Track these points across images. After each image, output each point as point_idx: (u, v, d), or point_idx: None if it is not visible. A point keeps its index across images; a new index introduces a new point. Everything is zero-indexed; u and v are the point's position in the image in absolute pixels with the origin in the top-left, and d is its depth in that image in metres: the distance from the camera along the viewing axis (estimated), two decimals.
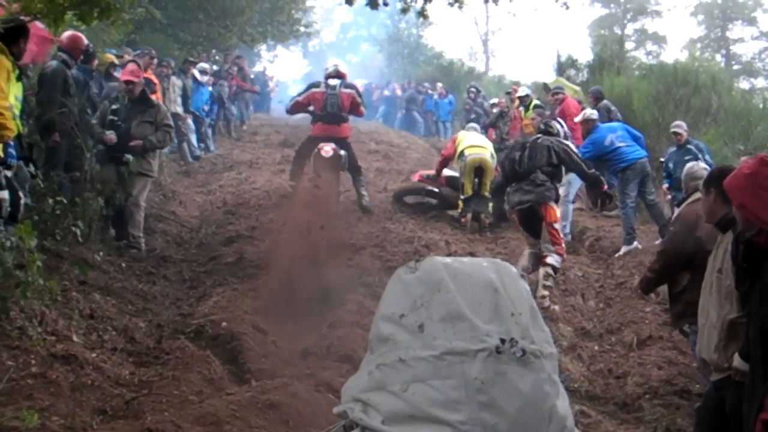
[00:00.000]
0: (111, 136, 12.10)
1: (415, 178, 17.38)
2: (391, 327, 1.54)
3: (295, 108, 15.75)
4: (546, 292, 11.50)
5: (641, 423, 8.36)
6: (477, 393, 1.43)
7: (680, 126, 15.09)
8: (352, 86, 15.75)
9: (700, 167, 9.13)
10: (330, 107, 15.03)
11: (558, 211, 12.08)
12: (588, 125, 15.49)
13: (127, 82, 12.42)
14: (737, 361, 5.77)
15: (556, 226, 11.92)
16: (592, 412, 8.21)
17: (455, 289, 1.51)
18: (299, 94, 15.68)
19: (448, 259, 1.59)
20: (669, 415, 8.26)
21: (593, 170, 12.19)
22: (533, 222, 11.86)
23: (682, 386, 8.96)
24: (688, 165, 9.62)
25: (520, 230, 12.27)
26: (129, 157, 12.16)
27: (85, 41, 12.92)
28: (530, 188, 11.59)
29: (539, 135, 12.21)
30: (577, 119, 16.29)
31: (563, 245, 11.93)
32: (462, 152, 15.79)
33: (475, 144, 15.96)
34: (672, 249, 8.26)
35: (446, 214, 16.29)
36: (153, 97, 14.05)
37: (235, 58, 28.79)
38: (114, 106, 12.43)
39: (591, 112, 15.87)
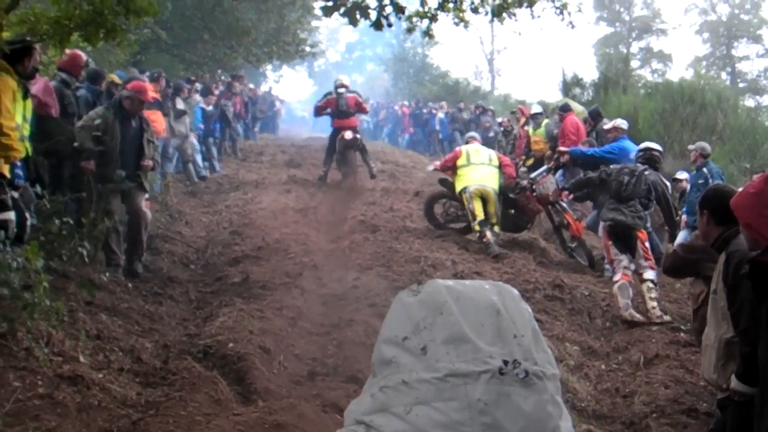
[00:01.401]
0: (90, 165, 11.62)
1: (435, 166, 17.46)
2: (393, 350, 1.54)
3: (319, 111, 21.88)
4: (654, 303, 11.96)
5: None
6: (480, 414, 1.43)
7: (697, 147, 15.36)
8: (354, 91, 22.27)
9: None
10: (341, 106, 21.04)
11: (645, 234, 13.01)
12: (616, 133, 15.62)
13: (141, 102, 12.23)
14: (734, 382, 5.78)
15: (646, 244, 12.68)
16: None
17: (458, 312, 1.52)
18: (319, 101, 22.02)
19: (450, 282, 1.60)
20: None
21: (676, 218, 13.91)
22: (625, 241, 12.61)
23: (689, 405, 8.92)
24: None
25: (610, 243, 12.81)
26: (121, 173, 11.89)
27: (84, 57, 12.90)
28: (630, 212, 12.55)
29: (646, 167, 12.95)
30: (607, 126, 16.40)
31: (652, 259, 12.60)
32: (464, 188, 15.88)
33: (476, 179, 15.97)
34: (681, 252, 8.40)
35: (453, 234, 16.27)
36: (151, 117, 14.10)
37: (232, 77, 28.77)
38: (97, 121, 11.80)
39: (621, 121, 16.15)
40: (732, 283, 5.82)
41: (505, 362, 1.46)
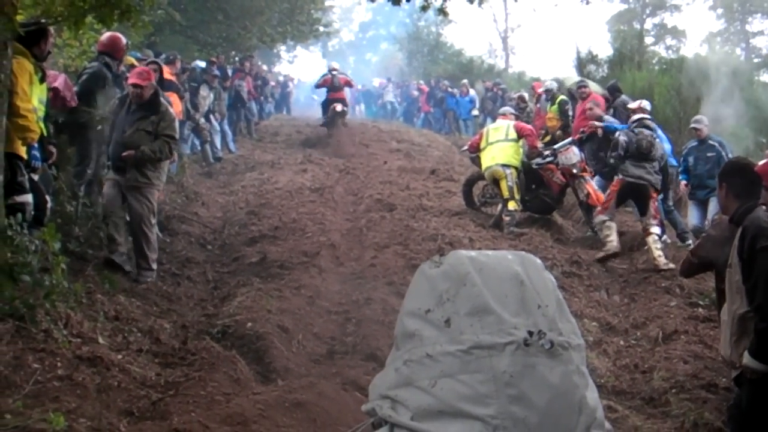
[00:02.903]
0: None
1: (467, 147, 17.54)
2: (417, 322, 1.53)
3: (319, 86, 28.85)
4: (660, 253, 13.18)
5: (668, 418, 8.31)
6: (506, 387, 1.42)
7: (700, 121, 14.83)
8: (343, 73, 29.60)
9: None
10: (335, 84, 27.51)
11: None
12: (642, 114, 15.57)
13: (135, 86, 11.05)
14: (746, 358, 5.74)
15: (657, 205, 13.86)
16: (618, 407, 8.18)
17: (481, 283, 1.50)
18: (318, 80, 28.94)
19: (473, 253, 1.58)
20: (696, 410, 8.20)
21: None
22: (638, 198, 13.88)
23: (708, 380, 8.90)
24: None
25: (613, 202, 14.00)
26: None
27: (124, 40, 12.86)
28: (653, 172, 13.62)
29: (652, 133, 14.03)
30: (632, 105, 16.25)
31: (659, 218, 13.99)
32: (484, 171, 16.22)
33: (488, 160, 16.18)
34: (699, 250, 8.30)
35: (469, 212, 16.27)
36: (170, 99, 13.97)
37: (242, 58, 28.79)
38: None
39: (646, 103, 15.99)
40: (747, 256, 5.78)
41: (530, 333, 1.45)
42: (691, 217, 14.37)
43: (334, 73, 28.05)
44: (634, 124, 14.36)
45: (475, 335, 1.45)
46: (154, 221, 11.35)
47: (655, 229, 13.55)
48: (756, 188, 6.37)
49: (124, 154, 10.89)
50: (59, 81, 10.94)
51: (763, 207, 6.18)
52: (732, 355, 6.07)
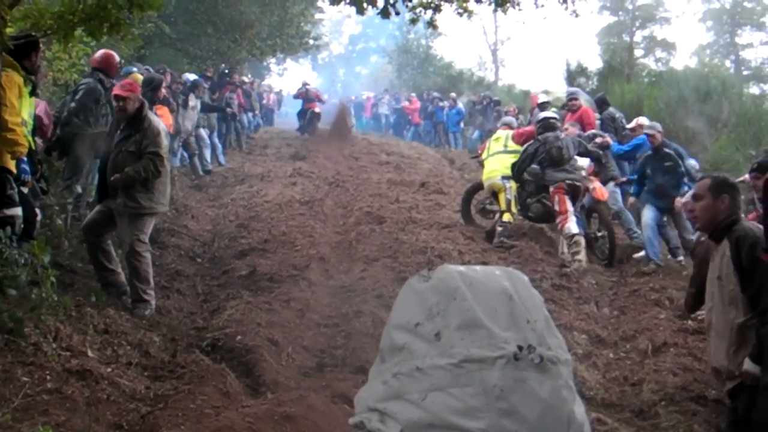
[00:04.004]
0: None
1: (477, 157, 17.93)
2: (405, 336, 1.53)
3: (296, 97, 34.99)
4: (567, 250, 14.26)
5: (657, 430, 8.32)
6: (497, 400, 1.42)
7: (653, 127, 14.58)
8: (315, 88, 35.35)
9: None
10: (309, 95, 33.22)
11: None
12: (640, 131, 15.58)
13: (117, 98, 10.30)
14: (747, 364, 5.78)
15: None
16: (608, 420, 8.18)
17: (471, 297, 1.50)
18: (296, 93, 34.92)
19: (462, 267, 1.59)
20: (685, 422, 8.22)
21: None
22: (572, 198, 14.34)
23: (698, 392, 8.92)
24: None
25: (568, 205, 14.31)
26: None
27: (117, 57, 12.85)
28: (573, 171, 14.37)
29: (557, 133, 14.76)
30: (630, 126, 16.38)
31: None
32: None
33: (486, 173, 16.55)
34: (695, 279, 8.37)
35: (459, 225, 16.29)
36: (158, 113, 13.93)
37: (229, 70, 28.78)
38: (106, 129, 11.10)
39: (644, 119, 16.35)
40: (747, 264, 5.84)
41: (520, 347, 1.45)
42: (645, 215, 14.10)
43: (308, 87, 34.36)
44: (539, 128, 15.06)
45: (466, 349, 1.45)
46: (143, 249, 10.33)
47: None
48: (739, 204, 6.48)
49: (111, 179, 10.19)
50: (40, 108, 10.76)
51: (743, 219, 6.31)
52: (730, 365, 6.10)
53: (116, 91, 10.37)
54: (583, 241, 14.13)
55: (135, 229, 10.20)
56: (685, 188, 13.90)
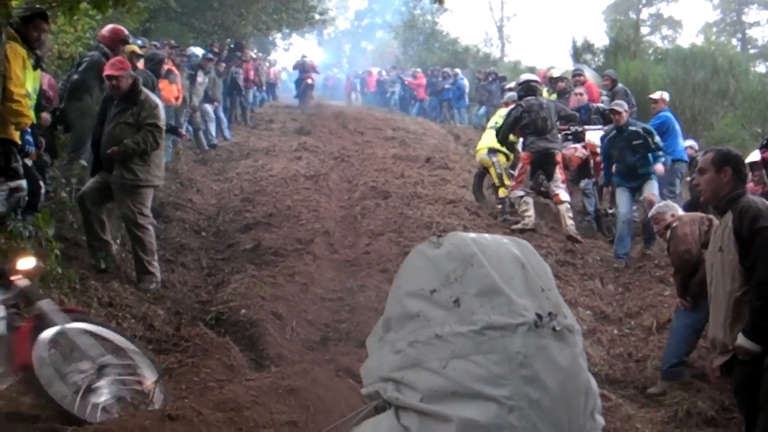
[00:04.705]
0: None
1: None
2: (420, 303, 1.51)
3: (295, 68, 38.35)
4: (571, 222, 14.05)
5: (662, 406, 8.34)
6: (520, 367, 1.41)
7: (620, 105, 13.94)
8: (311, 60, 38.57)
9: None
10: (305, 67, 36.81)
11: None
12: (664, 105, 15.40)
13: (109, 77, 10.25)
14: (741, 339, 5.80)
15: (561, 169, 14.51)
16: (612, 396, 8.20)
17: (488, 264, 1.49)
18: (294, 65, 38.41)
19: (473, 234, 1.57)
20: (689, 399, 8.23)
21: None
22: (546, 166, 14.34)
23: (701, 369, 8.93)
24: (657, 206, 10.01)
25: (527, 175, 14.58)
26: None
27: (125, 32, 12.78)
28: (552, 139, 14.29)
29: (536, 98, 14.75)
30: (654, 96, 16.09)
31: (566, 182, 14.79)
32: None
33: (478, 146, 16.98)
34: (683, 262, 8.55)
35: (464, 200, 16.26)
36: (159, 87, 13.89)
37: (234, 45, 28.65)
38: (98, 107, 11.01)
39: (666, 94, 15.95)
40: (747, 235, 5.86)
41: (539, 316, 1.45)
42: (620, 206, 13.54)
43: (306, 59, 37.95)
44: (520, 91, 15.18)
45: (487, 316, 1.45)
46: (146, 222, 10.35)
47: (565, 196, 14.20)
48: (745, 176, 6.45)
49: (108, 151, 10.16)
50: (44, 81, 10.76)
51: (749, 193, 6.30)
52: (725, 338, 6.11)
53: (107, 71, 10.30)
54: (531, 200, 14.42)
55: (136, 203, 10.20)
56: (662, 159, 13.76)
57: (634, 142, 13.15)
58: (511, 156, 15.98)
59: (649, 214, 10.53)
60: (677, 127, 15.18)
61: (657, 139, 13.13)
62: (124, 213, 10.27)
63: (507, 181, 15.47)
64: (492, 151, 15.78)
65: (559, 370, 1.43)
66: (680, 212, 9.59)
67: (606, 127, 15.13)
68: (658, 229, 9.75)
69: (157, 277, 10.26)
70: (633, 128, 13.40)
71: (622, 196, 13.43)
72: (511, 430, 1.40)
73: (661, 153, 13.27)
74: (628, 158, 13.15)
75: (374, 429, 1.51)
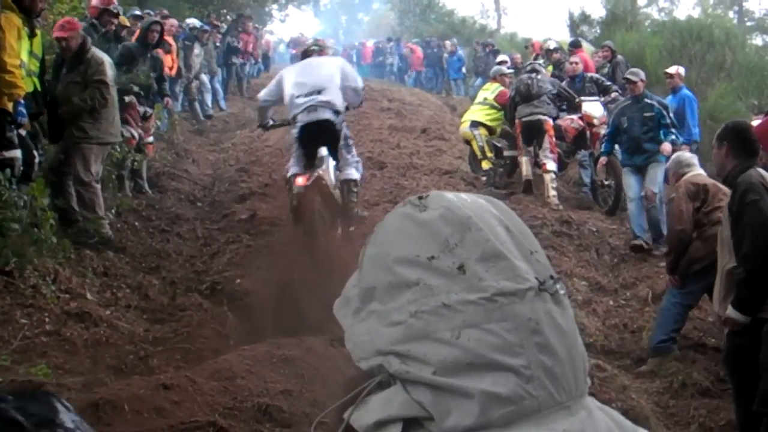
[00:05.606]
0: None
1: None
2: (417, 271, 1.42)
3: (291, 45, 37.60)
4: (554, 193, 14.37)
5: (657, 377, 8.36)
6: (533, 334, 1.35)
7: (636, 74, 13.17)
8: (306, 39, 32.90)
9: (688, 155, 9.75)
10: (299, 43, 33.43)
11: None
12: (680, 81, 15.06)
13: (58, 39, 10.42)
14: (729, 310, 5.87)
15: (552, 138, 14.62)
16: (607, 367, 8.20)
17: (485, 227, 1.45)
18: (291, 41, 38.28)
19: (452, 195, 1.51)
20: (684, 369, 8.26)
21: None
22: (537, 134, 14.64)
23: (697, 340, 8.97)
24: (678, 153, 9.83)
25: (522, 143, 14.94)
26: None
27: (113, 1, 12.75)
28: (540, 105, 14.65)
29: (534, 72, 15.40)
30: (670, 70, 15.76)
31: (556, 153, 14.83)
32: None
33: (463, 120, 16.94)
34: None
35: (460, 171, 16.26)
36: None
37: (238, 17, 28.57)
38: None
39: (682, 69, 15.71)
40: (736, 209, 5.90)
41: (538, 279, 1.41)
42: (628, 189, 12.78)
43: (302, 36, 38.54)
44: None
45: (495, 281, 1.37)
46: (90, 179, 10.22)
47: (552, 166, 14.45)
48: (753, 149, 6.40)
49: (59, 111, 10.25)
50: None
51: (758, 168, 6.26)
52: (720, 310, 6.17)
53: (56, 33, 10.41)
54: (525, 158, 15.00)
55: (82, 158, 10.18)
56: (672, 137, 12.99)
57: (646, 114, 12.51)
58: (497, 129, 15.96)
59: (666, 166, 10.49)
60: (696, 107, 14.90)
61: (671, 116, 12.74)
62: (69, 169, 10.20)
63: (489, 153, 15.55)
64: (474, 124, 15.76)
65: (564, 335, 1.38)
66: (695, 168, 9.33)
67: (602, 98, 15.13)
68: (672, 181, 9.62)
69: (92, 234, 9.96)
70: (648, 101, 12.71)
71: (630, 179, 12.74)
72: (531, 400, 1.35)
73: (673, 131, 12.85)
74: (636, 129, 12.47)
75: (385, 404, 1.42)
